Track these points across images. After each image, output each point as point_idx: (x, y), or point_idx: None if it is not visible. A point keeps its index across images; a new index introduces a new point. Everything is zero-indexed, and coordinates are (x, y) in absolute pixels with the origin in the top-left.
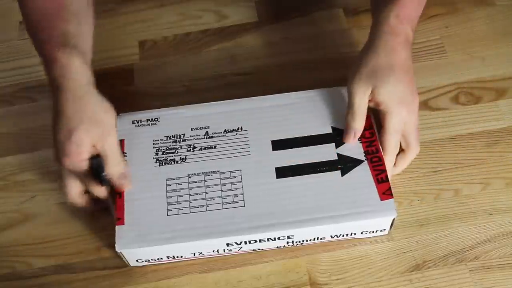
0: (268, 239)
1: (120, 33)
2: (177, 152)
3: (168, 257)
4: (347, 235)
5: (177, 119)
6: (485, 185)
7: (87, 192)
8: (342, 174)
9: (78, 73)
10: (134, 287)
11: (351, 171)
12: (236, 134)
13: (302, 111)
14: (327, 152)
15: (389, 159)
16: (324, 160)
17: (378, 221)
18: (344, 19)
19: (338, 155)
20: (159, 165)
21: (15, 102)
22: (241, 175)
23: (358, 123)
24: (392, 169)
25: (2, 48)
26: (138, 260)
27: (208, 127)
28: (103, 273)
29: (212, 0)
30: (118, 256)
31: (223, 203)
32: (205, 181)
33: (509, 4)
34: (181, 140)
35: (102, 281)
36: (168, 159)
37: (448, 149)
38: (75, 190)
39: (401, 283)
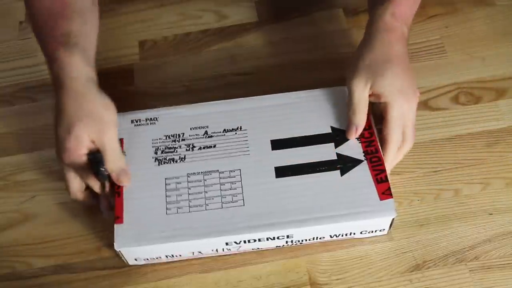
0: (267, 239)
1: (120, 33)
2: (176, 152)
3: (166, 256)
4: (346, 235)
5: (176, 118)
6: (485, 185)
7: (88, 188)
8: (342, 174)
9: (78, 71)
10: (134, 287)
11: (350, 171)
12: (236, 133)
13: (302, 110)
14: (327, 152)
15: (392, 150)
16: (324, 160)
17: (378, 221)
18: (344, 19)
19: (338, 155)
20: (158, 164)
21: (15, 102)
22: (240, 175)
23: (359, 119)
24: (392, 162)
25: (2, 48)
26: (137, 259)
27: (207, 126)
28: (103, 273)
29: (212, 0)
30: (118, 256)
31: (222, 203)
32: (205, 180)
33: (509, 4)
34: (180, 140)
35: (102, 281)
36: (167, 158)
37: (448, 149)
38: (76, 186)
39: (401, 283)
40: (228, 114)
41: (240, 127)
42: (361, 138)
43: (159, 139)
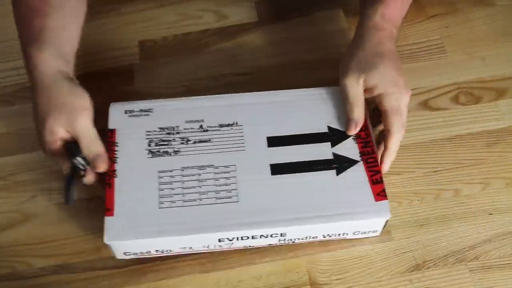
0: (260, 236)
1: (120, 33)
2: (171, 144)
3: (157, 250)
4: (339, 234)
5: (171, 111)
6: (485, 185)
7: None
8: (337, 174)
9: (47, 66)
10: (134, 287)
11: (346, 171)
12: (231, 128)
13: (299, 109)
14: (323, 151)
15: (396, 139)
16: (320, 159)
17: (372, 222)
18: (344, 19)
19: (334, 154)
20: (152, 157)
21: (15, 102)
22: (235, 170)
23: (357, 113)
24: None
25: (2, 48)
26: (126, 253)
27: (202, 120)
28: (103, 273)
29: (212, 0)
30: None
31: (216, 198)
32: (199, 175)
33: (509, 4)
34: (175, 132)
35: (102, 281)
36: (161, 151)
37: (448, 149)
38: (62, 176)
39: (401, 283)
40: (224, 108)
41: (236, 122)
42: (357, 138)
43: (153, 131)
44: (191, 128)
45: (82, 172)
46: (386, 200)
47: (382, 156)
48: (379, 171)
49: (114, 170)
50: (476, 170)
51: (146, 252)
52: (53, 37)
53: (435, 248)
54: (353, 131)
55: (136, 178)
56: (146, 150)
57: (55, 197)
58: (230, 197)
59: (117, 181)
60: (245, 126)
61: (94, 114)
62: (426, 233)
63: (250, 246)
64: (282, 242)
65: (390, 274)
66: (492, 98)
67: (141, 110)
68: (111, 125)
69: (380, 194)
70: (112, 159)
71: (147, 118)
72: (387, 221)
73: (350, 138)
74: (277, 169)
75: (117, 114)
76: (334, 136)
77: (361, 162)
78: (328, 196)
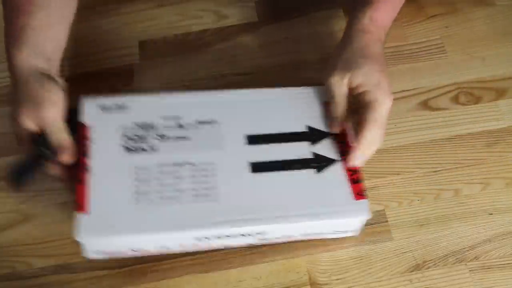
0: (239, 235)
1: (120, 33)
2: (147, 141)
3: (131, 250)
4: (318, 234)
5: (148, 106)
6: (485, 185)
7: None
8: (317, 173)
9: (23, 63)
10: (134, 287)
11: (325, 170)
12: (210, 126)
13: (279, 107)
14: (302, 150)
15: (368, 132)
16: (299, 158)
17: (352, 220)
18: (344, 19)
19: (313, 153)
20: (127, 153)
21: None
22: (214, 168)
23: (341, 112)
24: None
25: (2, 48)
26: (98, 252)
27: (179, 117)
28: (103, 273)
29: (212, 0)
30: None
31: (195, 196)
32: (176, 172)
33: (509, 4)
34: (151, 129)
35: (102, 281)
36: (137, 147)
37: (448, 149)
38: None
39: (401, 283)
40: (202, 105)
41: (215, 119)
42: (336, 138)
43: (129, 127)
44: (168, 125)
45: (46, 163)
46: (365, 200)
47: (351, 149)
48: (358, 171)
49: (86, 165)
50: (476, 170)
51: (120, 252)
52: (34, 36)
53: (435, 248)
54: (336, 129)
55: (110, 175)
56: (122, 146)
57: (55, 197)
58: (208, 195)
59: (90, 177)
60: (224, 124)
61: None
62: (426, 233)
63: (229, 246)
64: (262, 241)
65: (390, 274)
66: (492, 98)
67: (116, 105)
68: (84, 120)
69: (360, 194)
70: (83, 154)
71: (122, 113)
72: (366, 221)
73: (330, 138)
74: (257, 167)
75: (90, 108)
76: (314, 136)
77: (341, 162)
78: (307, 195)
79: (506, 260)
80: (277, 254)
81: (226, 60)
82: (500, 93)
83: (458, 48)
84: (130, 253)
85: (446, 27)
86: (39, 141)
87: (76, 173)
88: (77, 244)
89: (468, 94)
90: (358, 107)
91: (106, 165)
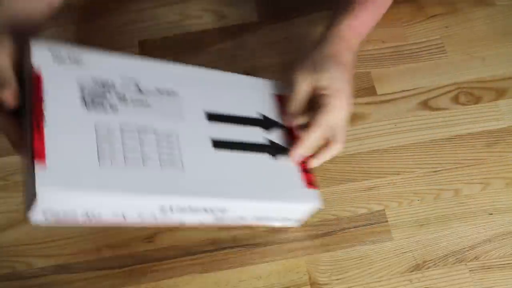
0: (201, 209)
1: (120, 33)
2: (106, 98)
3: (86, 213)
4: (268, 219)
5: (105, 63)
6: (485, 185)
7: None
8: (271, 159)
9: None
10: (134, 287)
11: (280, 158)
12: (170, 97)
13: (239, 92)
14: (257, 135)
15: (312, 133)
16: (256, 142)
17: (303, 207)
18: None
19: (269, 141)
20: (86, 109)
21: None
22: (177, 139)
23: (296, 107)
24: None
25: None
26: (48, 211)
27: (138, 80)
28: (103, 273)
29: (212, 0)
30: (118, 256)
31: (160, 163)
32: (140, 136)
33: (509, 4)
34: (111, 87)
35: (102, 281)
36: (96, 103)
37: (448, 149)
38: None
39: (401, 283)
40: (161, 74)
41: (175, 91)
42: (288, 130)
43: (86, 82)
44: (128, 87)
45: None
46: (317, 189)
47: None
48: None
49: (42, 112)
50: (476, 170)
51: (72, 216)
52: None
53: (435, 248)
54: (289, 123)
55: (68, 129)
56: (79, 99)
57: None
58: (174, 164)
59: (47, 128)
60: (184, 96)
61: None
62: (426, 233)
63: (184, 223)
64: (217, 221)
65: (390, 274)
66: (492, 98)
67: (71, 58)
68: (35, 66)
69: (311, 183)
70: (37, 100)
71: (78, 68)
72: (314, 210)
73: (281, 129)
74: (218, 144)
75: (43, 59)
76: (266, 124)
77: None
78: (263, 178)
79: (506, 260)
80: (277, 254)
81: (226, 60)
82: (500, 93)
83: (458, 48)
84: (81, 220)
85: (446, 27)
86: None
87: (30, 121)
88: (77, 244)
89: (468, 94)
90: (315, 107)
91: (62, 118)
